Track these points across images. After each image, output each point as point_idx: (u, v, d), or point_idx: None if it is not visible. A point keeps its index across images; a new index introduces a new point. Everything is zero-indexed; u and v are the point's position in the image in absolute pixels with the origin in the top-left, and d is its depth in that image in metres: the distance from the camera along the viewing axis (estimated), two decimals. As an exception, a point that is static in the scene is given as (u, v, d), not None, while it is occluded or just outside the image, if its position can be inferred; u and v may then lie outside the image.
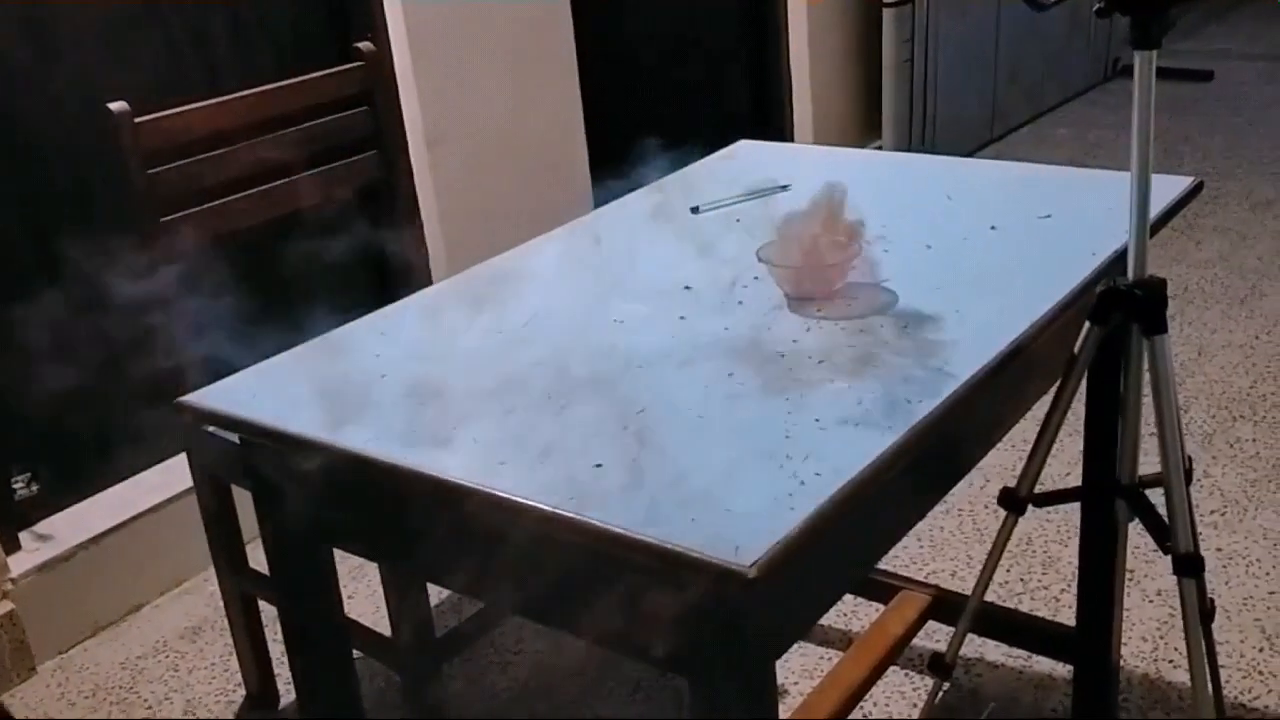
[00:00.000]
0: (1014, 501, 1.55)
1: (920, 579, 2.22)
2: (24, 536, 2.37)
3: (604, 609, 1.16)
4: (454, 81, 2.92)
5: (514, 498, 1.09)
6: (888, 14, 4.15)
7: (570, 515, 1.06)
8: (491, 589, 1.34)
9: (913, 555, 2.40)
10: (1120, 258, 1.43)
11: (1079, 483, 1.68)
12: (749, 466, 1.11)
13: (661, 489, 1.09)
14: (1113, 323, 1.39)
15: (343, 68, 2.09)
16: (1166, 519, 1.43)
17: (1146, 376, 1.42)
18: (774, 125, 4.14)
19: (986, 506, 2.53)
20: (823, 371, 1.27)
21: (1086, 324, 1.42)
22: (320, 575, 1.44)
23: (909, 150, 4.28)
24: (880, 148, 4.32)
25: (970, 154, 4.56)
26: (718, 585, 0.99)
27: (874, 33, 4.22)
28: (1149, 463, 1.48)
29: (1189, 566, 1.41)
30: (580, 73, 3.25)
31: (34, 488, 2.41)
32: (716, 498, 1.07)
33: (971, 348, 1.28)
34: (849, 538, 1.22)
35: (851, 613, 2.26)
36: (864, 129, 4.40)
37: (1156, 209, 1.52)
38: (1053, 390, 1.52)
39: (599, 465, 1.13)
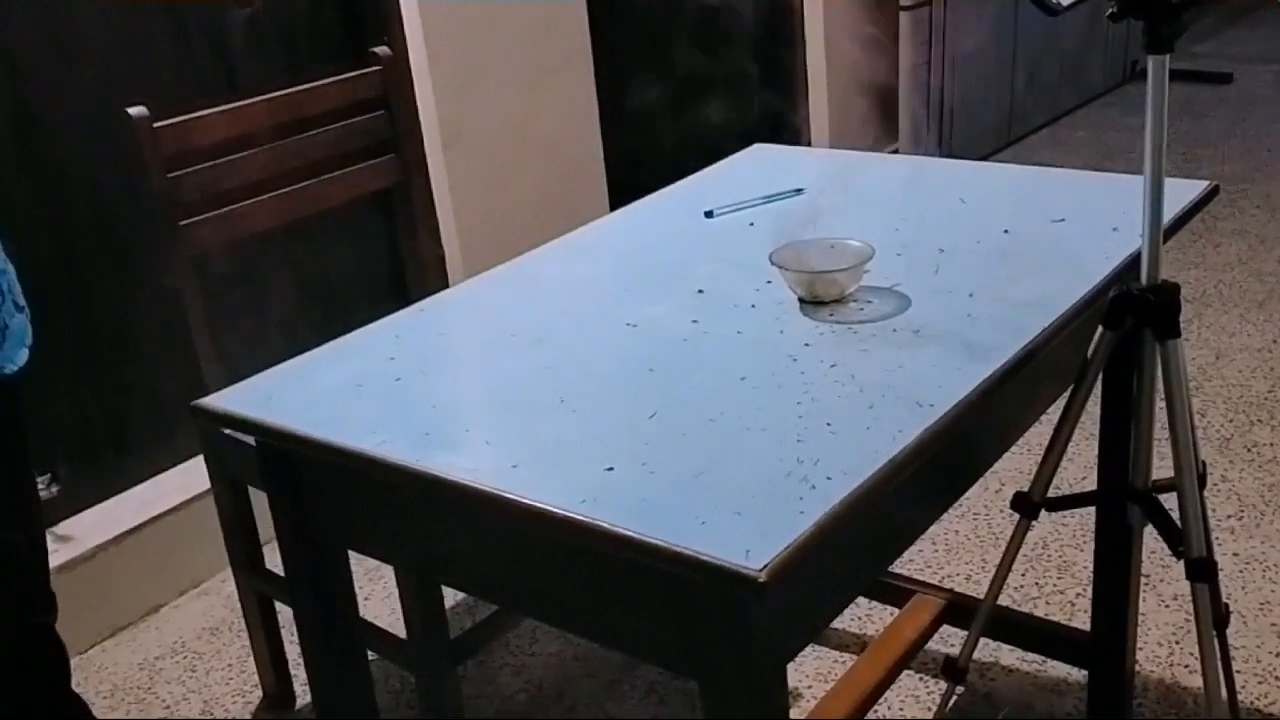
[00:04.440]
0: (1027, 506, 1.55)
1: (935, 583, 2.22)
2: (44, 537, 2.39)
3: (615, 611, 1.17)
4: (470, 84, 2.93)
5: (526, 500, 1.10)
6: (904, 17, 4.14)
7: (581, 518, 1.06)
8: (503, 591, 1.34)
9: (927, 559, 2.40)
10: (1134, 262, 1.43)
11: (1096, 487, 1.68)
12: (761, 470, 1.11)
13: (673, 492, 1.10)
14: (1126, 327, 1.39)
15: (360, 72, 2.10)
16: (1180, 524, 1.43)
17: (1160, 381, 1.42)
18: (791, 129, 4.15)
19: (1002, 510, 2.52)
20: (835, 375, 1.27)
21: (1100, 328, 1.42)
22: (335, 577, 1.45)
23: (925, 153, 4.28)
24: (897, 151, 4.32)
25: (987, 157, 4.55)
26: (728, 588, 1.00)
27: (891, 36, 4.22)
28: (1164, 467, 1.47)
29: (1202, 572, 1.41)
30: (596, 74, 3.26)
31: (54, 489, 2.43)
32: (728, 501, 1.07)
33: (984, 352, 1.28)
34: (860, 542, 1.22)
35: (866, 616, 2.26)
36: (880, 132, 4.40)
37: (1171, 213, 1.52)
38: (1066, 394, 1.52)
39: (610, 469, 1.14)
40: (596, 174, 3.31)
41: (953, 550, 2.43)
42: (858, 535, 1.20)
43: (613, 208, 2.41)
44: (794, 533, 1.01)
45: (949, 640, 2.12)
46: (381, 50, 2.13)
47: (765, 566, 0.97)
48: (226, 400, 1.35)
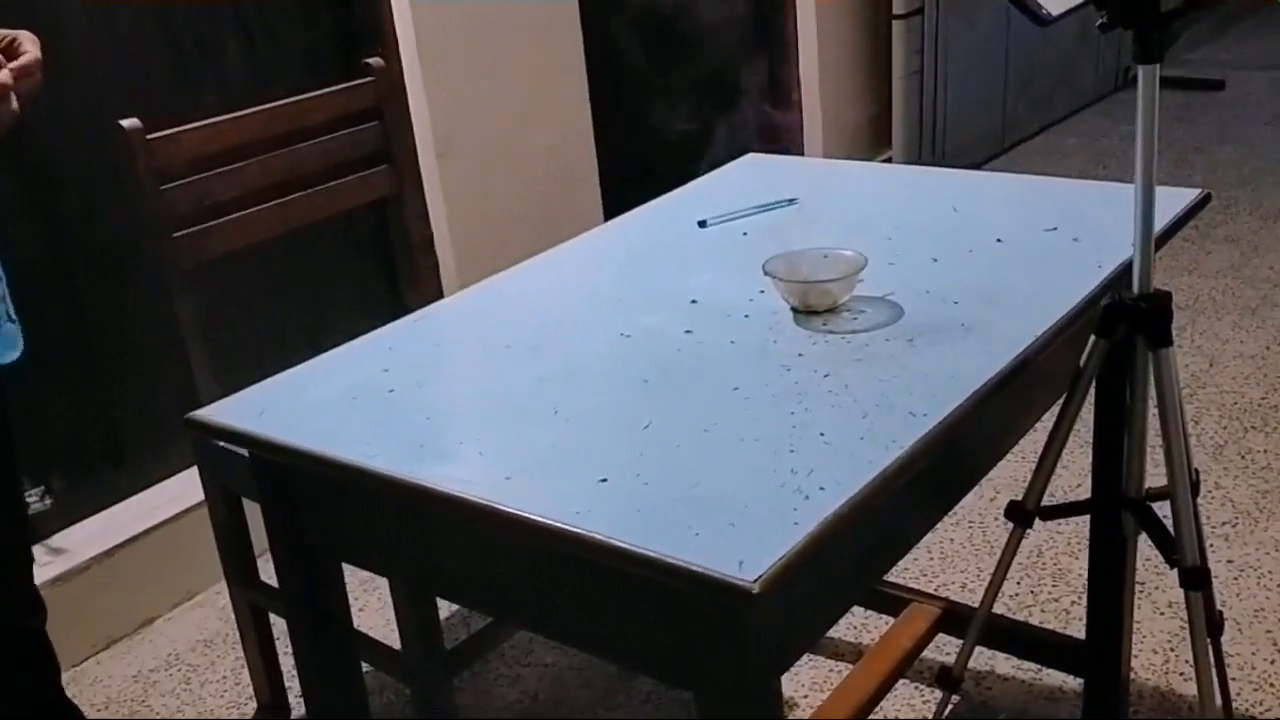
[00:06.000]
0: (1021, 514, 1.55)
1: (930, 591, 2.23)
2: (37, 550, 2.38)
3: (609, 622, 1.17)
4: (464, 94, 2.93)
5: (519, 512, 1.10)
6: (897, 26, 4.15)
7: (575, 529, 1.06)
8: (497, 603, 1.34)
9: (923, 567, 2.40)
10: (1127, 270, 1.43)
11: (1090, 495, 1.68)
12: (754, 481, 1.11)
13: (666, 503, 1.10)
14: (1118, 336, 1.40)
15: (353, 83, 2.11)
16: (1173, 532, 1.43)
17: (1153, 389, 1.43)
18: (784, 138, 4.15)
19: (997, 519, 2.52)
20: (828, 385, 1.27)
21: (1092, 337, 1.42)
22: (329, 588, 1.45)
23: (920, 162, 4.29)
24: (890, 159, 4.33)
25: (980, 165, 4.56)
26: (721, 600, 1.00)
27: (884, 45, 4.23)
28: (1158, 475, 1.48)
29: (1195, 580, 1.41)
30: (590, 84, 3.26)
31: (47, 501, 2.43)
32: (721, 512, 1.07)
33: (977, 361, 1.28)
34: (854, 552, 1.22)
35: (862, 625, 2.26)
36: (874, 141, 4.40)
37: (1163, 221, 1.53)
38: (1060, 403, 1.53)
39: (604, 480, 1.14)
40: (591, 184, 3.31)
41: (948, 559, 2.43)
42: (851, 545, 1.20)
43: (607, 217, 2.40)
44: (787, 544, 1.01)
45: (945, 649, 2.12)
46: (374, 61, 2.14)
47: (759, 578, 0.97)
48: (220, 413, 1.35)
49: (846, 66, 4.23)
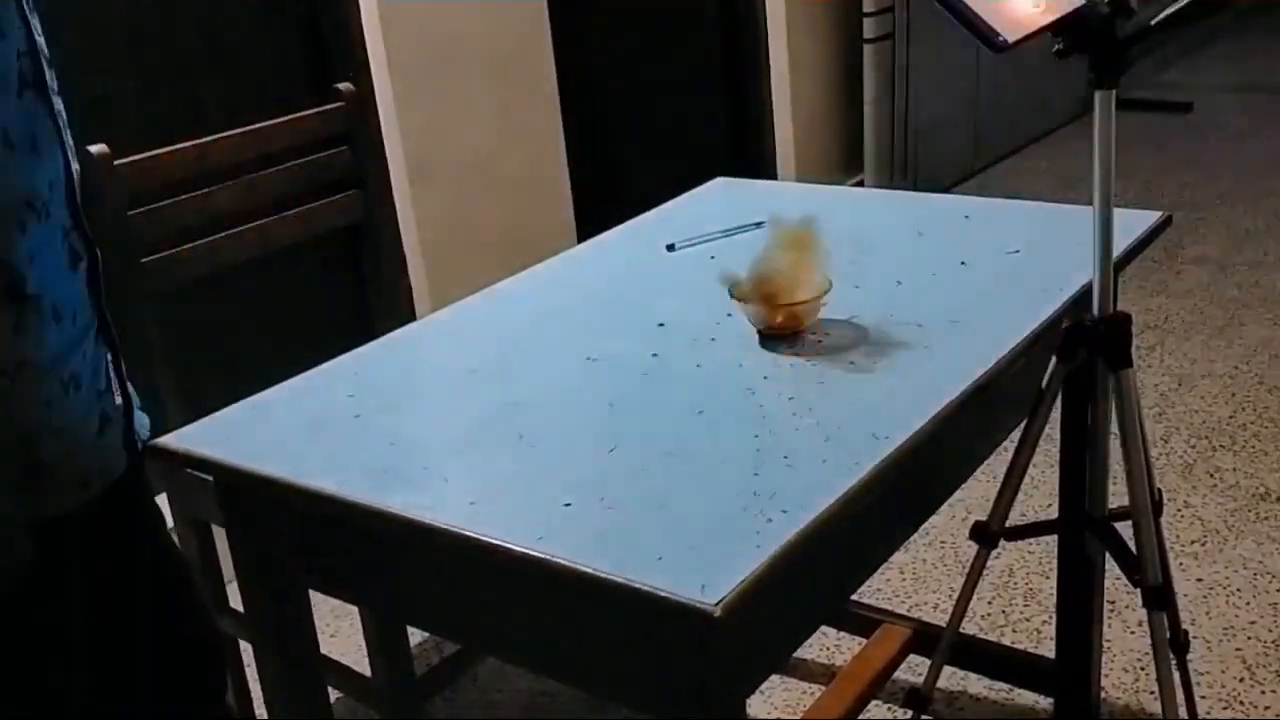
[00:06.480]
0: (985, 535, 1.56)
1: (903, 612, 2.23)
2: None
3: (574, 648, 1.17)
4: (437, 118, 2.94)
5: (482, 537, 1.10)
6: (868, 50, 4.19)
7: (538, 554, 1.07)
8: (463, 629, 1.34)
9: (895, 588, 2.41)
10: (1088, 293, 1.44)
11: (1057, 515, 1.69)
12: (718, 504, 1.12)
13: (630, 527, 1.10)
14: (1079, 359, 1.41)
15: (323, 108, 2.11)
16: (1136, 552, 1.44)
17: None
18: (756, 161, 4.18)
19: (969, 539, 2.53)
20: (792, 408, 1.28)
21: (1053, 359, 1.44)
22: (296, 615, 1.44)
23: (891, 184, 4.32)
24: (863, 182, 4.36)
25: (951, 187, 4.59)
26: (684, 623, 1.00)
27: (855, 69, 4.26)
28: (1124, 494, 1.48)
29: (1158, 599, 1.42)
30: (562, 108, 3.28)
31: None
32: (684, 535, 1.08)
33: (939, 384, 1.29)
34: (818, 574, 1.23)
35: (835, 647, 2.26)
36: (846, 164, 4.43)
37: (1123, 245, 1.54)
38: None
39: (568, 504, 1.14)
40: (564, 208, 3.33)
41: (920, 579, 2.43)
42: (815, 568, 1.20)
43: (581, 237, 2.41)
44: (749, 567, 1.02)
45: (918, 670, 2.12)
46: (345, 86, 2.14)
47: (720, 601, 0.98)
48: (185, 439, 1.34)
49: (818, 90, 4.26)
